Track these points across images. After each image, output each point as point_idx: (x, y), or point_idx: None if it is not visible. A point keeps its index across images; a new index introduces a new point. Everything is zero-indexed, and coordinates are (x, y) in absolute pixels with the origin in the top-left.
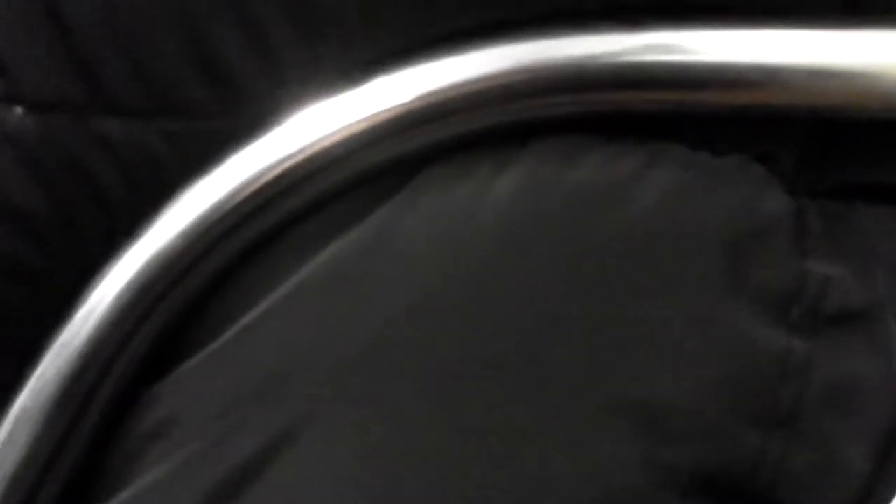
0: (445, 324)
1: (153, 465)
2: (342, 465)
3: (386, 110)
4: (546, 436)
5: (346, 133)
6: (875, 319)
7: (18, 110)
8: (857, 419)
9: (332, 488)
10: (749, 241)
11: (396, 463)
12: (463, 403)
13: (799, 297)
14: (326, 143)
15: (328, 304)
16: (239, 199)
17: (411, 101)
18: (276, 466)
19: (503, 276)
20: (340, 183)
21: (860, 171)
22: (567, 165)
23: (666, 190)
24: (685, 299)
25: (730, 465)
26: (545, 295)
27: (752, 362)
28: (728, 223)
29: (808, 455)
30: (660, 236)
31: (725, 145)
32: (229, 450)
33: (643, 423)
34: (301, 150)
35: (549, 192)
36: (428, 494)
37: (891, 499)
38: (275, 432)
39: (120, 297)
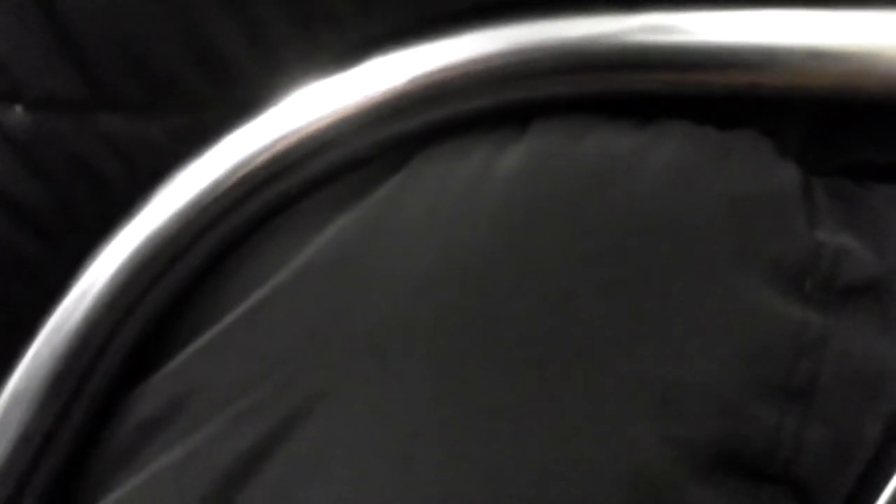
0: (453, 301)
1: (160, 453)
2: (354, 445)
3: (381, 92)
4: (559, 413)
5: (341, 114)
6: (889, 293)
7: (18, 109)
8: (872, 394)
9: (344, 468)
10: (759, 213)
11: (408, 441)
12: (474, 380)
13: (813, 269)
14: (322, 124)
15: (334, 284)
16: (234, 180)
17: (407, 83)
18: (288, 447)
19: (509, 252)
20: (336, 165)
21: (867, 151)
22: (570, 142)
23: (673, 162)
24: (696, 272)
25: (748, 442)
26: (553, 270)
27: (767, 336)
28: (737, 194)
29: (825, 431)
30: (668, 208)
31: (729, 123)
32: (240, 432)
33: (658, 400)
34: (296, 132)
35: (553, 167)
36: (441, 472)
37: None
38: (285, 414)
39: (114, 278)
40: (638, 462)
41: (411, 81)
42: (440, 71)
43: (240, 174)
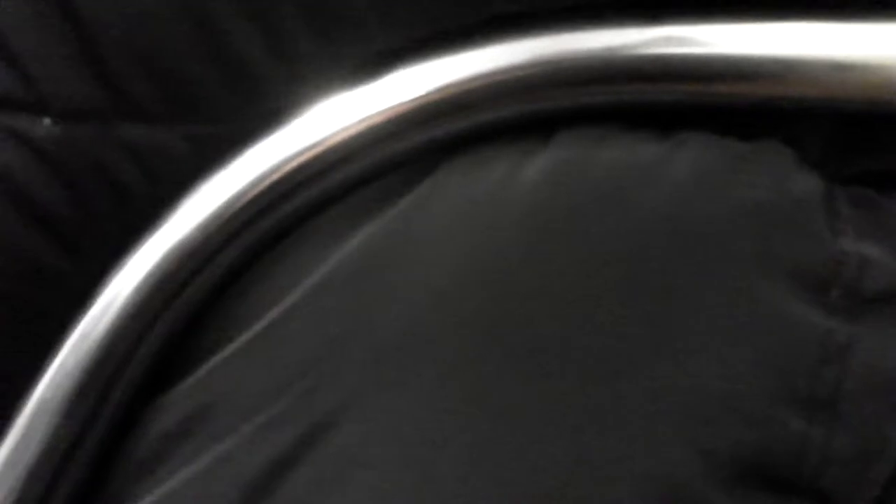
0: (475, 309)
1: (183, 464)
2: (376, 454)
3: (405, 103)
4: (581, 420)
5: (365, 125)
6: None
7: (46, 121)
8: None
9: (366, 477)
10: (781, 221)
11: (431, 449)
12: (496, 388)
13: (838, 278)
14: (346, 134)
15: (358, 294)
16: (257, 190)
17: (431, 94)
18: (312, 457)
19: (532, 260)
20: (360, 175)
21: (889, 159)
22: (593, 151)
23: (694, 171)
24: (718, 279)
25: (774, 453)
26: (575, 278)
27: (791, 344)
28: (758, 202)
29: (850, 440)
30: (689, 216)
31: (750, 132)
32: (264, 444)
33: (682, 409)
34: (320, 142)
35: (576, 175)
36: (463, 481)
37: None
38: (310, 423)
39: (139, 288)
40: (663, 471)
41: (436, 92)
42: (464, 82)
43: (263, 185)
